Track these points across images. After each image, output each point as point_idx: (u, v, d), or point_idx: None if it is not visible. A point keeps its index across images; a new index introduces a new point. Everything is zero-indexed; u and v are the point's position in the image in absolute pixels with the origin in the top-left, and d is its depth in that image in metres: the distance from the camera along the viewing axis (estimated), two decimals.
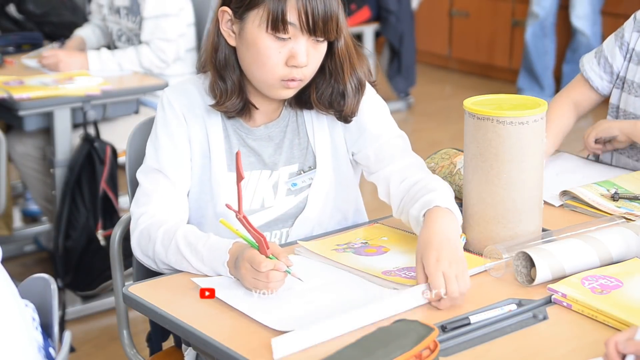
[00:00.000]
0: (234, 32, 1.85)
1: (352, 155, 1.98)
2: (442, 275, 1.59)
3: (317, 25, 1.79)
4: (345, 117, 1.93)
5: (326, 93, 1.90)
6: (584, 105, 2.39)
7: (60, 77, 3.32)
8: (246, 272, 1.64)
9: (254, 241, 1.64)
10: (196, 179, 1.91)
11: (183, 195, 1.90)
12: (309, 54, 1.82)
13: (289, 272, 1.63)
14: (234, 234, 1.66)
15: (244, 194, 1.92)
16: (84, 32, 3.79)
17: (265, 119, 1.94)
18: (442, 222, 1.71)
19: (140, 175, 1.91)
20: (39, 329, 1.48)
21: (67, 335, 1.52)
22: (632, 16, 2.34)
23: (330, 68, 1.89)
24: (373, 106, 1.97)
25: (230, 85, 1.88)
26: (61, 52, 3.54)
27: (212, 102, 1.89)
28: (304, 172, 1.95)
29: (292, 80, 1.83)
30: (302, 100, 1.93)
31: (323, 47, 1.85)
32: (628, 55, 2.30)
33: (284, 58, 1.81)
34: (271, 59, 1.81)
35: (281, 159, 1.94)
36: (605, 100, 2.42)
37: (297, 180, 1.94)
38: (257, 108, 1.92)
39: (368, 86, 1.97)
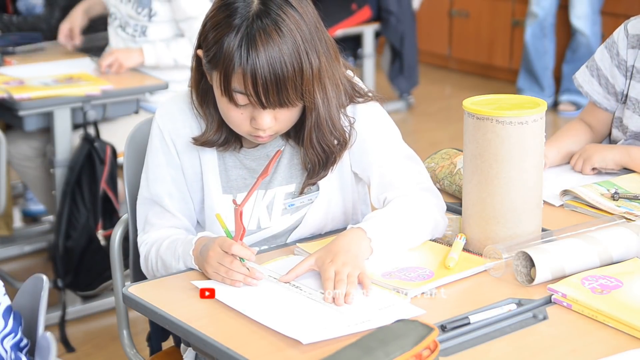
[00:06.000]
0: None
1: (355, 175, 1.92)
2: (333, 271, 1.62)
3: (269, 99, 1.68)
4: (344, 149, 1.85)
5: (316, 136, 1.80)
6: (599, 127, 2.36)
7: (60, 77, 3.32)
8: (213, 254, 1.66)
9: (232, 235, 1.69)
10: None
11: (179, 220, 1.88)
12: (276, 117, 1.73)
13: (243, 260, 1.65)
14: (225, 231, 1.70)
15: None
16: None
17: None
18: (348, 239, 1.71)
19: (137, 206, 1.92)
20: None
21: (50, 337, 1.51)
22: (623, 28, 2.29)
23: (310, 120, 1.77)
24: (376, 126, 1.88)
25: (210, 121, 1.81)
26: (117, 51, 3.52)
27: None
28: (304, 194, 1.89)
29: (260, 136, 1.76)
30: (299, 138, 1.84)
31: (293, 107, 1.73)
32: (629, 74, 2.28)
33: (247, 119, 1.73)
34: (234, 118, 1.74)
35: (276, 177, 1.87)
36: None
37: (294, 201, 1.89)
38: (241, 145, 1.86)
39: (374, 103, 1.89)
